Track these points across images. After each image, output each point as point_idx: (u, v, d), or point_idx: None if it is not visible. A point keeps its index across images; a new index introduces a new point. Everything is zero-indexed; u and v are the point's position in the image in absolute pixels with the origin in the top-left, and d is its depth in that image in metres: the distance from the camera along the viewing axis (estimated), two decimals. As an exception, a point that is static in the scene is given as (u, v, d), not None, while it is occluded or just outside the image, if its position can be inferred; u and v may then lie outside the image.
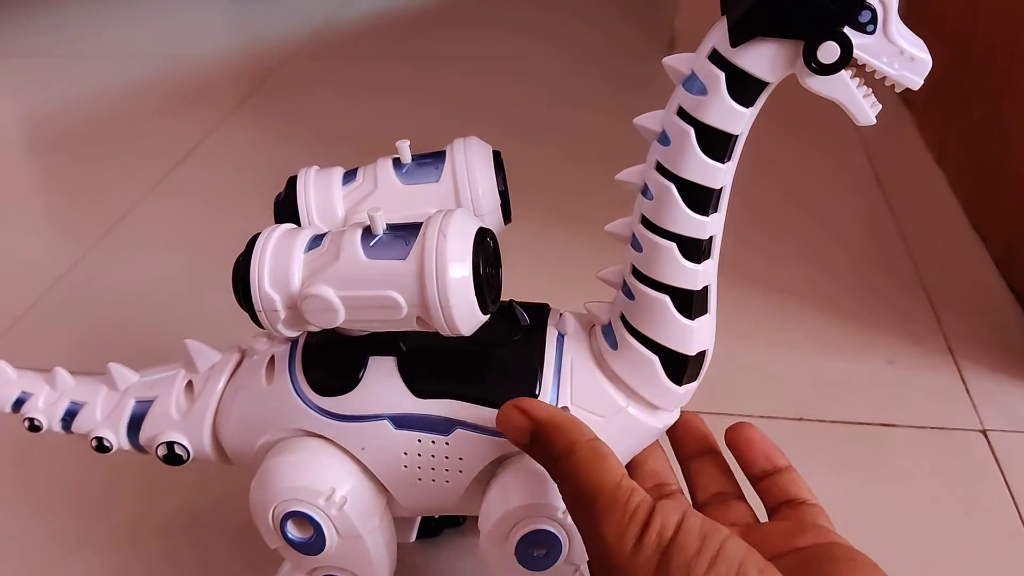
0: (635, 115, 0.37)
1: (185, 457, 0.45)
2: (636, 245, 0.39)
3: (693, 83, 0.35)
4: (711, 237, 0.38)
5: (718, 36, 0.34)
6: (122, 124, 1.22)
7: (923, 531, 0.57)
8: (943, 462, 0.63)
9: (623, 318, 0.40)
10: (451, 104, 1.25)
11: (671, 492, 0.43)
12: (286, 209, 0.43)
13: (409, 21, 1.59)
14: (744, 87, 0.34)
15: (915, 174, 1.02)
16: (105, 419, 0.45)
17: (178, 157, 1.11)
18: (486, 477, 0.42)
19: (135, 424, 0.45)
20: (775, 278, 0.83)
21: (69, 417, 0.46)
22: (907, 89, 0.33)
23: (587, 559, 0.41)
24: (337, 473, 0.41)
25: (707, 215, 0.37)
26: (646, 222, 0.38)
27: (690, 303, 0.39)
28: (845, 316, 0.78)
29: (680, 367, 0.40)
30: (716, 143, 0.35)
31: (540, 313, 0.43)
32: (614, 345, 0.40)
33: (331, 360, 0.42)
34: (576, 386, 0.40)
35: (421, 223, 0.37)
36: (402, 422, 0.41)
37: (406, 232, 0.37)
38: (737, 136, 0.36)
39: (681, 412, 0.44)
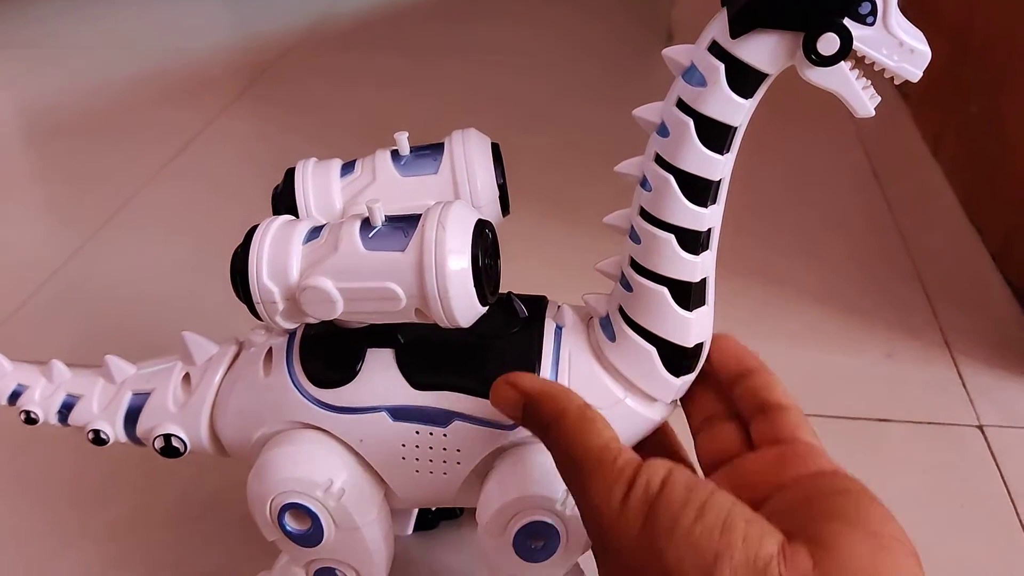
0: (634, 107, 0.37)
1: (182, 450, 0.45)
2: (634, 237, 0.39)
3: (692, 74, 0.35)
4: (709, 229, 0.38)
5: (718, 27, 0.34)
6: (120, 116, 1.22)
7: (919, 525, 0.56)
8: (940, 457, 0.63)
9: (621, 310, 0.40)
10: (450, 95, 1.24)
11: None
12: (284, 201, 0.43)
13: (407, 12, 1.59)
14: (744, 79, 0.34)
15: (912, 167, 1.02)
16: (102, 412, 0.45)
17: (176, 148, 1.10)
18: (484, 469, 0.42)
19: (132, 417, 0.45)
20: (772, 271, 0.83)
21: (66, 410, 0.46)
22: (905, 82, 0.33)
23: (585, 549, 0.41)
24: (335, 465, 0.41)
25: (706, 207, 0.37)
26: (645, 214, 0.38)
27: (688, 295, 0.39)
28: (842, 310, 0.78)
29: (678, 359, 0.40)
30: (715, 135, 0.35)
31: (538, 305, 0.43)
32: (612, 337, 0.40)
33: (329, 352, 0.42)
34: (574, 378, 0.40)
35: (420, 215, 0.37)
36: (400, 414, 0.41)
37: (405, 224, 0.37)
38: (736, 128, 0.36)
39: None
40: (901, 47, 0.32)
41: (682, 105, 0.35)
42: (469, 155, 0.42)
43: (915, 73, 0.33)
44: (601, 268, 0.41)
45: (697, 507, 0.30)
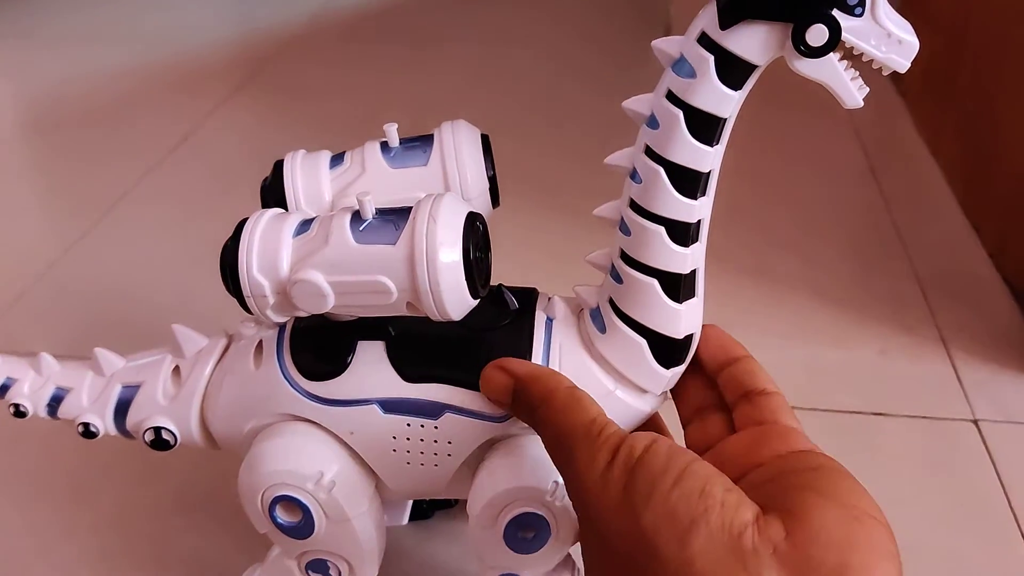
0: (629, 99, 0.37)
1: (172, 442, 0.45)
2: (624, 229, 0.39)
3: (682, 66, 0.35)
4: (699, 221, 0.38)
5: (707, 19, 0.34)
6: (117, 109, 1.22)
7: (914, 519, 0.57)
8: (934, 451, 0.63)
9: (611, 302, 0.40)
10: (449, 86, 1.25)
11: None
12: (273, 193, 0.43)
13: (407, 3, 1.59)
14: (733, 70, 0.34)
15: (909, 164, 1.02)
16: (91, 404, 0.45)
17: (174, 142, 1.10)
18: (475, 461, 0.42)
19: (122, 409, 0.45)
20: (768, 267, 0.83)
21: (55, 403, 0.46)
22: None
23: (575, 541, 0.41)
24: (326, 457, 0.41)
25: (695, 199, 0.37)
26: (634, 206, 0.38)
27: (678, 287, 0.39)
28: (838, 306, 0.78)
29: (668, 350, 0.40)
30: (705, 126, 0.35)
31: (529, 297, 0.43)
32: (602, 329, 0.40)
33: (319, 345, 0.42)
34: (565, 370, 0.40)
35: (410, 207, 0.37)
36: (391, 406, 0.41)
37: (395, 217, 0.37)
38: (726, 119, 0.36)
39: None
40: (889, 38, 0.32)
41: (672, 97, 0.35)
42: (459, 147, 0.42)
43: (903, 64, 0.33)
44: (591, 260, 0.41)
45: (676, 474, 0.30)
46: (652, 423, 0.43)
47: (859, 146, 1.06)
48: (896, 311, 0.77)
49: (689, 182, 0.36)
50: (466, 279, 0.36)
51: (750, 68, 0.34)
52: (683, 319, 0.39)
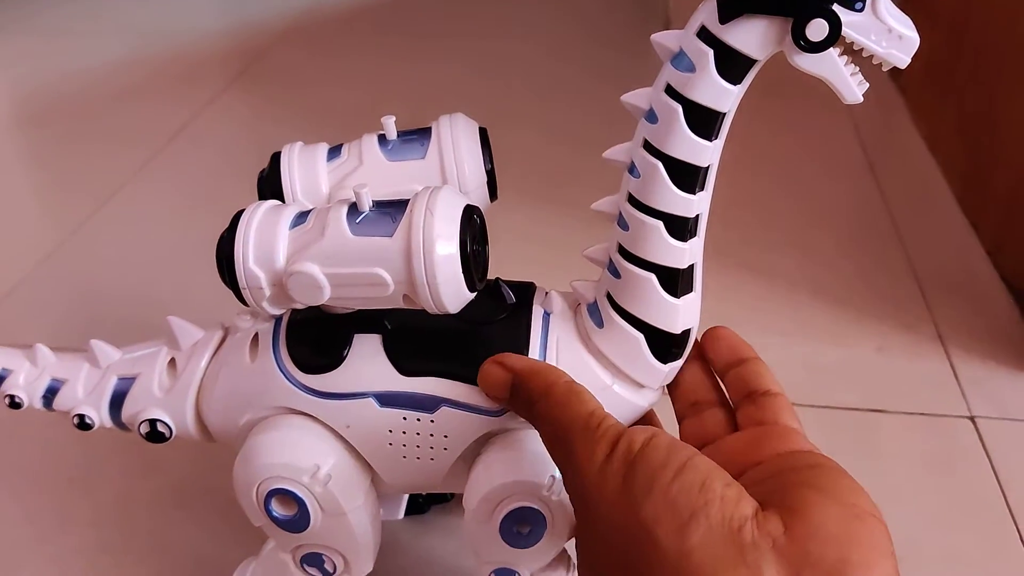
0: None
1: (168, 435, 0.45)
2: (622, 223, 0.38)
3: (681, 60, 0.35)
4: (697, 216, 0.38)
5: (706, 12, 0.34)
6: (112, 102, 1.22)
7: (911, 516, 0.57)
8: (932, 448, 0.63)
9: (609, 296, 0.40)
10: (446, 81, 1.24)
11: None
12: (270, 185, 0.42)
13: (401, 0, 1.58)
14: (732, 64, 0.34)
15: (908, 162, 1.02)
16: (87, 396, 0.45)
17: (168, 136, 1.10)
18: (471, 455, 0.42)
19: (117, 401, 0.45)
20: (766, 264, 0.83)
21: (50, 394, 0.45)
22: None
23: (571, 536, 0.41)
24: (321, 450, 0.41)
25: (694, 193, 0.37)
26: (633, 200, 0.38)
27: (676, 281, 0.39)
28: (836, 303, 0.78)
29: (665, 345, 0.40)
30: (704, 121, 0.35)
31: (526, 292, 0.43)
32: (600, 323, 0.40)
33: (315, 337, 0.42)
34: (562, 364, 0.40)
35: (407, 200, 0.37)
36: (387, 400, 0.41)
37: (392, 209, 0.37)
38: (725, 114, 0.35)
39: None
40: (890, 33, 0.32)
41: (671, 91, 0.35)
42: (456, 140, 0.42)
43: (903, 59, 0.33)
44: (589, 254, 0.41)
45: (676, 467, 0.30)
46: (646, 419, 0.43)
47: (858, 143, 1.06)
48: (894, 308, 0.77)
49: (688, 177, 0.36)
50: (463, 272, 0.36)
51: (749, 63, 0.34)
52: (681, 314, 0.39)
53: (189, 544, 0.56)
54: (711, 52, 0.34)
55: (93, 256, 0.87)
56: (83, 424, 0.45)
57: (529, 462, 0.39)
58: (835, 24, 0.32)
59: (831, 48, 0.33)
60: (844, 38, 0.32)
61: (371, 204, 0.37)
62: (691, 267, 0.39)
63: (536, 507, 0.40)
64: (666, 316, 0.39)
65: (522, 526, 0.40)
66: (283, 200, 0.42)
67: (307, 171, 0.42)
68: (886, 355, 0.72)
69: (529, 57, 1.34)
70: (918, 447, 0.63)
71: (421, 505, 0.57)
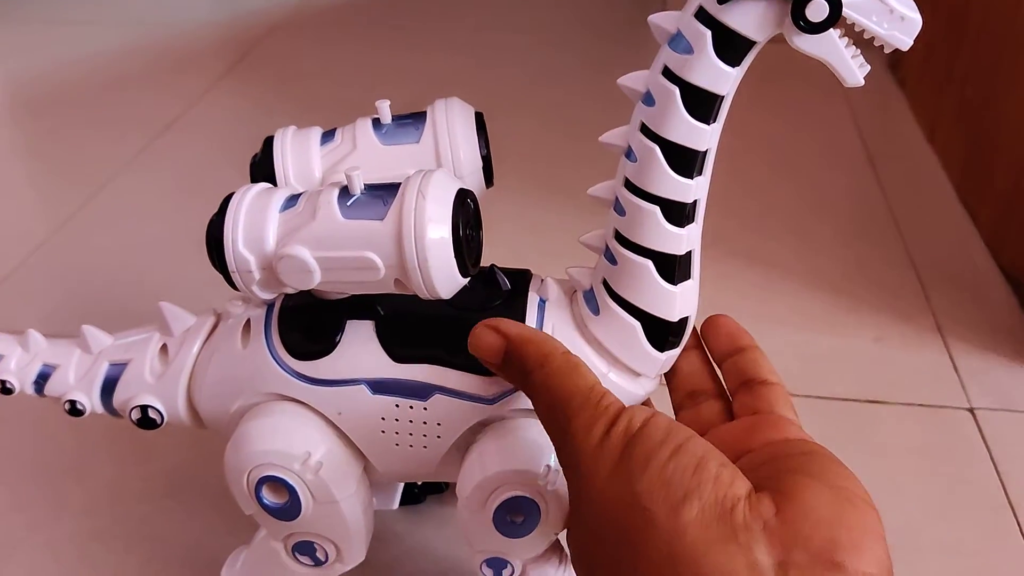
0: (625, 79, 0.37)
1: (159, 421, 0.44)
2: (619, 209, 0.38)
3: (679, 42, 0.34)
4: (695, 201, 0.37)
5: (705, -7, 0.33)
6: (106, 92, 1.21)
7: (909, 507, 0.57)
8: (930, 439, 0.63)
9: (605, 283, 0.39)
10: (441, 71, 1.24)
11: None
12: (262, 169, 0.42)
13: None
14: (731, 46, 0.34)
15: (906, 152, 1.02)
16: (78, 382, 0.45)
17: (162, 126, 1.09)
18: (465, 443, 0.41)
19: (109, 387, 0.44)
20: (764, 253, 0.83)
21: (42, 380, 0.45)
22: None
23: (565, 526, 0.40)
24: (313, 437, 0.40)
25: (691, 178, 0.36)
26: (629, 185, 0.37)
27: (673, 268, 0.38)
28: (834, 293, 0.78)
29: (662, 333, 0.39)
30: (702, 104, 0.35)
31: (521, 278, 0.42)
32: (596, 311, 0.40)
33: (308, 324, 0.41)
34: (557, 352, 0.40)
35: (400, 183, 0.36)
36: (380, 387, 0.40)
37: (384, 192, 0.36)
38: (723, 97, 0.35)
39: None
40: (891, 14, 0.32)
41: (668, 73, 0.35)
42: (452, 124, 0.41)
43: (906, 41, 0.32)
44: (585, 241, 0.41)
45: (674, 446, 0.30)
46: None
47: (857, 134, 1.05)
48: (892, 299, 0.77)
49: (685, 161, 0.36)
50: (455, 256, 0.35)
51: (748, 44, 0.34)
52: (678, 301, 0.39)
53: (181, 532, 0.56)
54: (709, 33, 0.33)
55: (87, 244, 0.87)
56: (74, 410, 0.45)
57: (524, 451, 0.39)
58: (835, 4, 0.32)
59: (831, 29, 0.32)
60: (845, 19, 0.32)
61: (363, 187, 0.36)
62: (689, 254, 0.38)
63: (530, 497, 0.39)
64: (663, 303, 0.39)
65: (516, 515, 0.40)
66: (276, 184, 0.42)
67: (300, 155, 0.42)
68: (884, 346, 0.72)
69: (526, 47, 1.33)
70: (916, 438, 0.63)
71: (416, 495, 0.57)
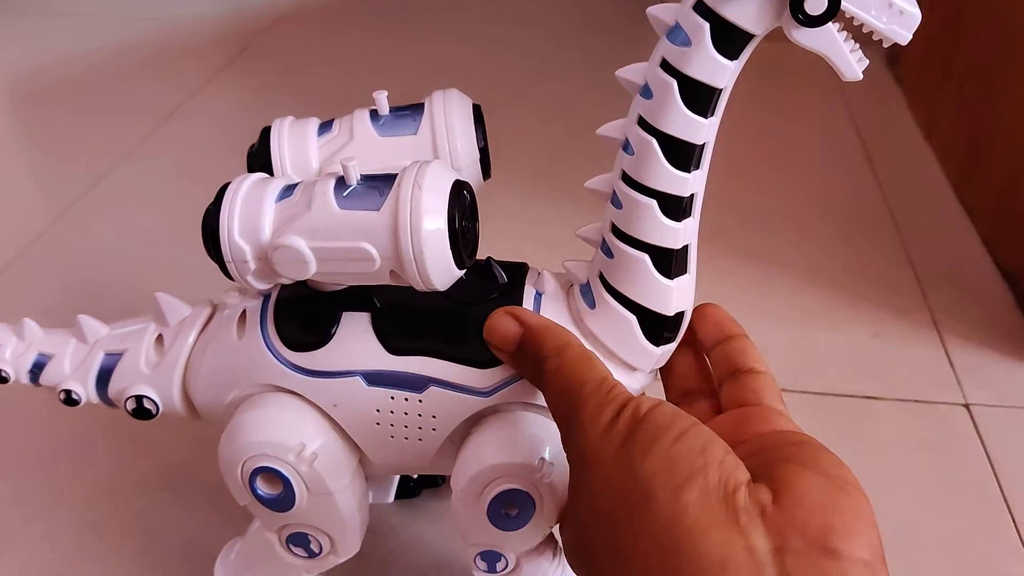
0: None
1: (154, 411, 0.44)
2: (616, 202, 0.38)
3: (677, 34, 0.34)
4: (692, 195, 0.37)
5: (704, -15, 0.33)
6: (106, 83, 1.21)
7: (905, 502, 0.57)
8: (926, 434, 0.63)
9: (602, 277, 0.39)
10: (442, 64, 1.24)
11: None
12: (259, 160, 0.42)
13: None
14: (729, 39, 0.33)
15: (904, 150, 1.02)
16: (73, 371, 0.44)
17: (162, 117, 1.09)
18: (460, 436, 0.41)
19: (104, 377, 0.44)
20: (762, 249, 0.83)
21: (37, 369, 0.45)
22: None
23: (557, 522, 0.40)
24: (308, 429, 0.40)
25: (689, 171, 0.36)
26: (626, 178, 0.37)
27: (670, 262, 0.38)
28: (831, 289, 0.78)
29: (658, 327, 0.39)
30: (699, 97, 0.35)
31: (518, 272, 0.42)
32: (592, 304, 0.40)
33: (303, 315, 0.41)
34: (552, 345, 0.40)
35: (396, 174, 0.36)
36: (375, 379, 0.40)
37: (380, 183, 0.36)
38: (721, 90, 0.35)
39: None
40: (890, 8, 0.32)
41: (666, 66, 0.35)
42: (450, 116, 0.41)
43: (904, 35, 0.32)
44: (582, 234, 0.40)
45: (679, 430, 0.31)
46: None
47: (855, 131, 1.05)
48: (889, 295, 0.77)
49: (682, 154, 0.36)
50: (451, 248, 0.35)
51: (747, 37, 0.33)
52: (674, 296, 0.39)
53: (177, 525, 0.56)
54: (707, 26, 0.33)
55: (85, 235, 0.87)
56: (69, 400, 0.45)
57: (519, 444, 0.39)
58: (834, -2, 0.31)
59: (830, 23, 0.32)
60: (843, 12, 0.32)
61: (359, 177, 0.36)
62: (685, 248, 0.38)
63: (525, 490, 0.39)
64: (659, 298, 0.39)
65: (510, 508, 0.40)
66: (272, 175, 0.41)
67: (297, 146, 0.42)
68: (881, 341, 0.72)
69: (527, 40, 1.33)
70: (912, 433, 0.63)
71: (412, 489, 0.57)
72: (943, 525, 0.56)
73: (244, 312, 0.42)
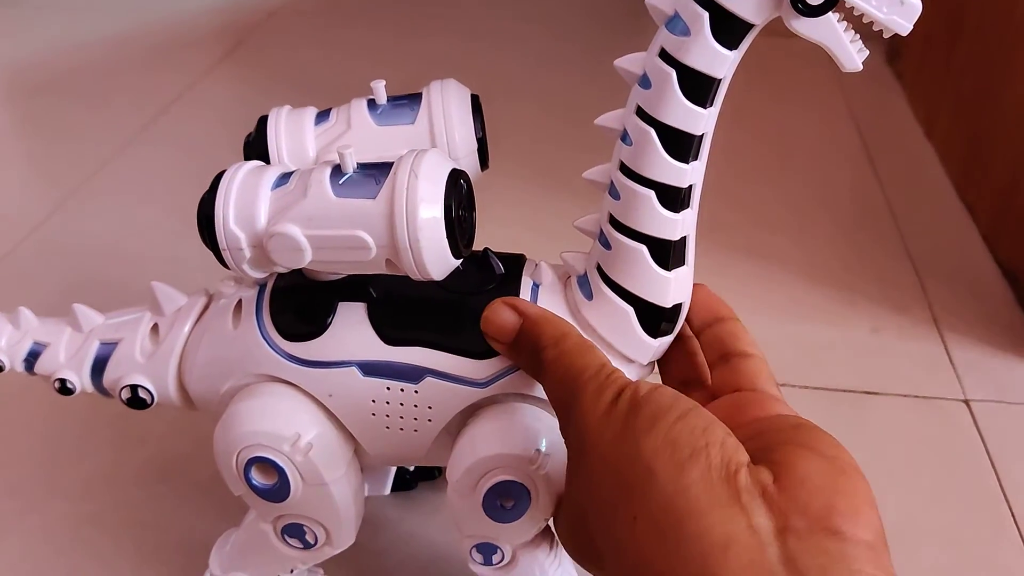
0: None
1: (149, 401, 0.44)
2: (614, 193, 0.38)
3: (676, 23, 0.34)
4: (691, 186, 0.37)
5: (703, -26, 0.33)
6: (103, 75, 1.21)
7: (904, 497, 0.57)
8: (925, 430, 0.63)
9: (599, 268, 0.39)
10: (440, 57, 1.23)
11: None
12: (256, 148, 0.42)
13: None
14: (728, 28, 0.33)
15: (904, 146, 1.02)
16: (69, 360, 0.44)
17: (159, 109, 1.09)
18: (456, 427, 0.41)
19: (99, 366, 0.44)
20: (763, 245, 0.82)
21: (32, 358, 0.45)
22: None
23: (553, 513, 0.40)
24: (303, 419, 0.40)
25: (687, 162, 0.36)
26: (625, 169, 0.37)
27: (667, 254, 0.38)
28: (831, 284, 0.78)
29: (655, 319, 0.39)
30: (698, 87, 0.34)
31: (515, 263, 0.42)
32: (589, 296, 0.40)
33: (299, 305, 0.41)
34: (549, 336, 0.39)
35: (393, 163, 0.36)
36: (371, 369, 0.40)
37: (377, 171, 0.36)
38: (720, 80, 0.35)
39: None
40: (891, -2, 0.31)
41: (665, 55, 0.34)
42: (447, 106, 0.41)
43: (905, 26, 0.32)
44: (579, 225, 0.40)
45: (681, 411, 0.31)
46: None
47: (855, 127, 1.05)
48: (889, 291, 0.77)
49: (681, 145, 0.36)
50: (447, 237, 0.35)
51: (746, 27, 0.33)
52: (672, 287, 0.39)
53: (174, 518, 0.56)
54: (706, 15, 0.33)
55: (81, 227, 0.86)
56: (64, 388, 0.44)
57: (515, 435, 0.39)
58: (834, -13, 0.31)
59: (830, 12, 0.32)
60: (843, 2, 0.32)
61: (355, 166, 0.36)
62: (683, 239, 0.38)
63: (520, 481, 0.39)
64: (657, 289, 0.38)
65: (506, 500, 0.40)
66: (269, 164, 0.41)
67: (294, 135, 0.42)
68: (881, 337, 0.72)
69: (527, 33, 1.33)
70: (912, 429, 0.63)
71: (408, 481, 0.56)
72: (942, 520, 0.56)
73: (240, 302, 0.42)
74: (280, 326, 0.41)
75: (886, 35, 0.32)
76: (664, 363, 0.43)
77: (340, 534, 0.43)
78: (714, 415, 0.32)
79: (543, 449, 0.38)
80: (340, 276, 0.40)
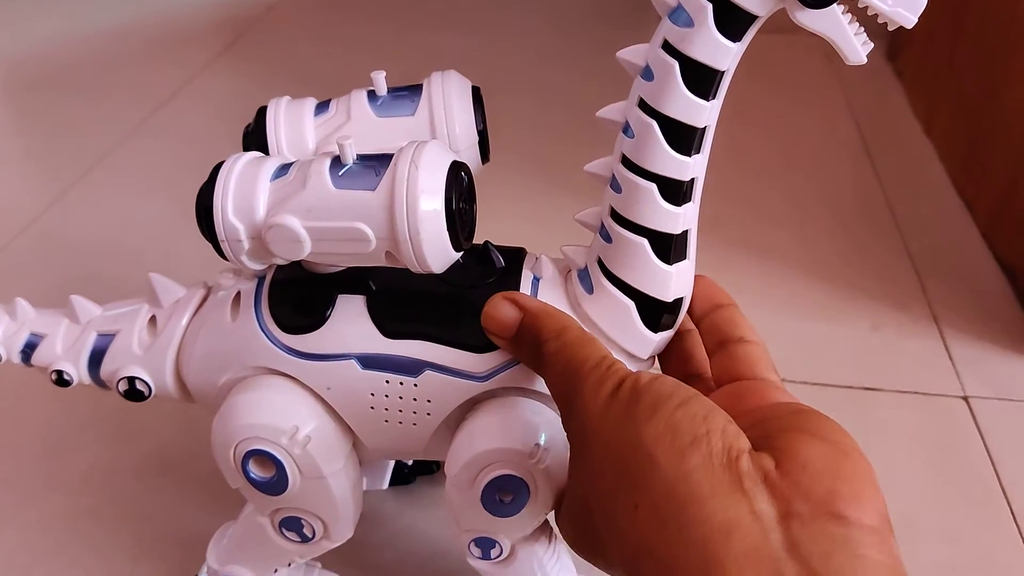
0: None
1: (146, 393, 0.43)
2: (616, 186, 0.37)
3: (679, 15, 0.34)
4: (693, 179, 0.37)
5: (707, -36, 0.33)
6: (103, 68, 1.20)
7: (903, 494, 0.57)
8: (925, 427, 0.63)
9: (600, 262, 0.39)
10: (440, 50, 1.23)
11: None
12: (255, 139, 0.41)
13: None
14: (732, 19, 0.33)
15: (903, 143, 1.01)
16: (66, 352, 0.44)
17: (158, 102, 1.09)
18: (455, 421, 0.41)
19: (96, 358, 0.44)
20: (763, 241, 0.82)
21: (29, 349, 0.44)
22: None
23: (553, 506, 0.40)
24: (301, 412, 0.40)
25: (689, 155, 0.36)
26: (626, 161, 0.36)
27: (669, 247, 0.37)
28: (831, 281, 0.77)
29: (656, 313, 0.39)
30: (701, 79, 0.34)
31: (516, 256, 0.42)
32: (590, 289, 0.39)
33: (298, 297, 0.40)
34: (550, 329, 0.39)
35: (393, 154, 0.36)
36: (370, 362, 0.40)
37: (377, 163, 0.36)
38: (723, 72, 0.34)
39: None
40: (896, -10, 0.31)
41: (668, 47, 0.34)
42: (448, 98, 0.41)
43: (910, 19, 0.32)
44: (580, 218, 0.40)
45: (682, 398, 0.31)
46: None
47: (853, 124, 1.05)
48: (888, 288, 0.77)
49: (683, 137, 0.35)
50: (448, 229, 0.35)
51: (750, 18, 0.33)
52: (673, 281, 0.38)
53: (172, 511, 0.56)
54: (710, 6, 0.33)
55: (79, 220, 0.86)
56: (61, 380, 0.44)
57: (514, 429, 0.39)
58: (839, -22, 0.31)
59: (835, 4, 0.32)
60: (848, -6, 0.31)
61: (355, 157, 0.36)
62: (685, 233, 0.38)
63: (519, 475, 0.39)
64: (658, 283, 0.38)
65: (504, 494, 0.40)
66: (268, 155, 0.41)
67: (293, 126, 0.41)
68: (880, 333, 0.72)
69: (530, 26, 1.32)
70: (911, 425, 0.63)
71: (407, 476, 0.56)
72: (941, 517, 0.56)
73: (238, 294, 0.42)
74: (279, 318, 0.40)
75: (891, 27, 0.32)
76: (665, 358, 0.42)
77: (338, 528, 0.43)
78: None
79: (542, 443, 0.38)
80: (339, 268, 0.40)
